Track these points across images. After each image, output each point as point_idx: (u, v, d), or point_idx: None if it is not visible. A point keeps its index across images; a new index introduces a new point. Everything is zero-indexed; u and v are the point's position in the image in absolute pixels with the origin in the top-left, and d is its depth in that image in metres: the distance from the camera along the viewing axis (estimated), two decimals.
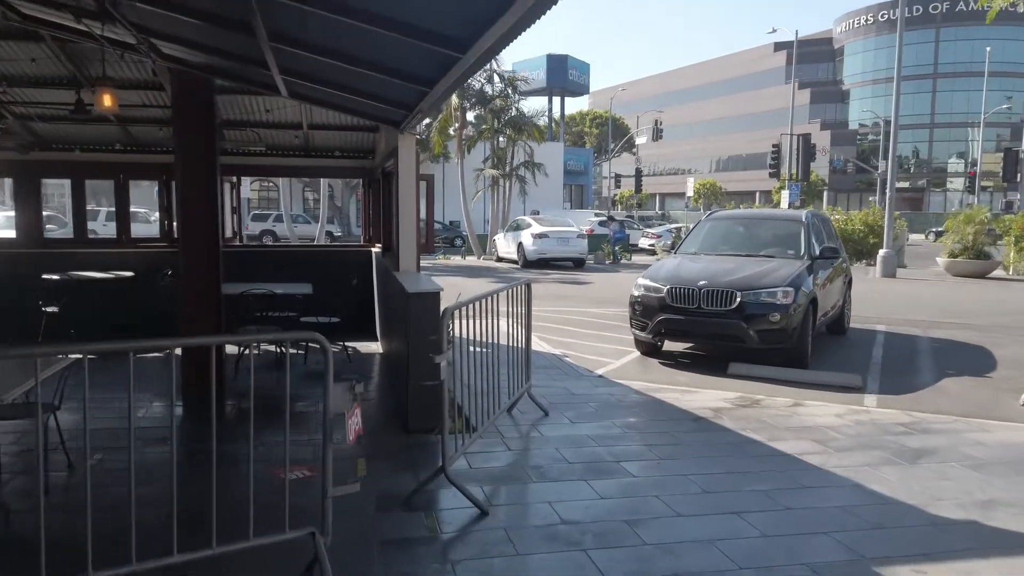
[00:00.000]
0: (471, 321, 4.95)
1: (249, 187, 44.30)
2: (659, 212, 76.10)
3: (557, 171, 48.01)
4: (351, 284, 8.35)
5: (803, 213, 10.04)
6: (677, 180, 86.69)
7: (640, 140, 53.66)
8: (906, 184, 70.53)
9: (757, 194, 71.97)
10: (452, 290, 6.42)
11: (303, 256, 10.36)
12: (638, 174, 54.50)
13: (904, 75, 67.66)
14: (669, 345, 9.35)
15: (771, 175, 33.46)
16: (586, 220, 36.94)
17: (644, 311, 8.81)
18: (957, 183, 68.74)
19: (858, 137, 76.03)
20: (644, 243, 33.73)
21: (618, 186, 57.88)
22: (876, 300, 15.21)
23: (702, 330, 8.48)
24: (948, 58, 68.33)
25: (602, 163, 68.66)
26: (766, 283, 8.35)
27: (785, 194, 32.76)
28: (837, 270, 10.31)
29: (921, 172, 73.04)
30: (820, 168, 68.19)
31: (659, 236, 33.33)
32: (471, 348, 5.00)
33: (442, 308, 4.65)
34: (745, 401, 7.05)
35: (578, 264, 24.10)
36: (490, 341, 5.31)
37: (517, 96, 27.64)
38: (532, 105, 35.44)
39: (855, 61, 77.05)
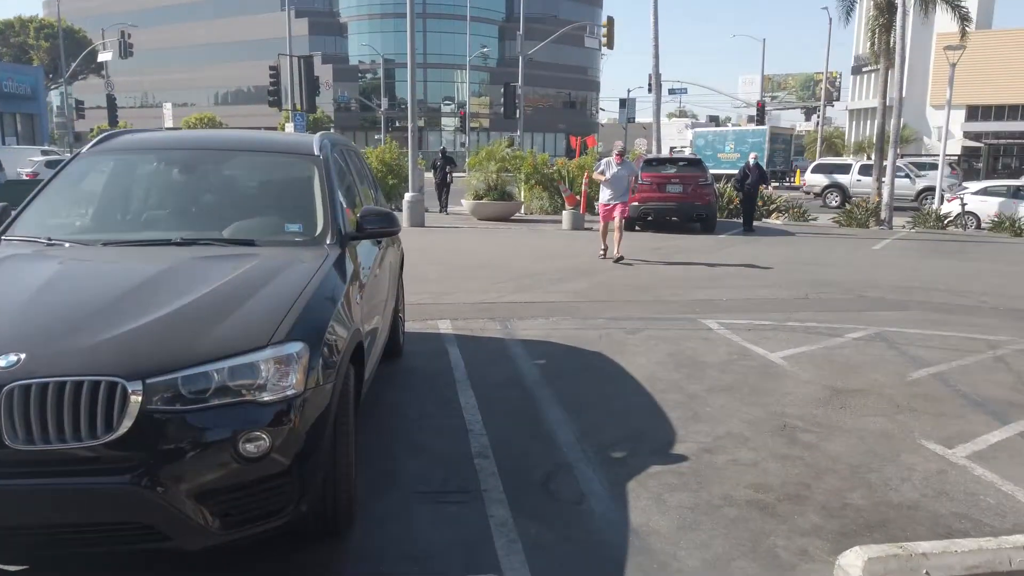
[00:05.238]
0: None
1: None
2: None
3: None
4: None
5: (315, 140, 4.67)
6: (179, 113, 74.57)
7: (104, 56, 42.31)
8: (406, 123, 71.91)
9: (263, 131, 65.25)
10: None
11: None
12: (111, 102, 43.38)
13: (395, 12, 67.30)
14: None
15: (271, 103, 27.76)
16: (27, 160, 26.58)
17: None
18: (450, 123, 72.36)
19: (359, 74, 74.67)
20: None
21: (81, 116, 45.61)
22: (422, 266, 11.03)
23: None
24: None
25: (61, 87, 53.96)
26: (214, 343, 2.76)
27: (289, 127, 27.54)
28: (389, 248, 5.38)
29: (418, 111, 75.18)
30: (325, 104, 64.75)
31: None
32: None
33: None
34: None
35: None
36: None
37: None
38: None
39: None
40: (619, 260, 11.63)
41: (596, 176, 12.25)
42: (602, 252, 12.17)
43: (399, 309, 6.16)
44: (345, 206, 4.26)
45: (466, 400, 5.24)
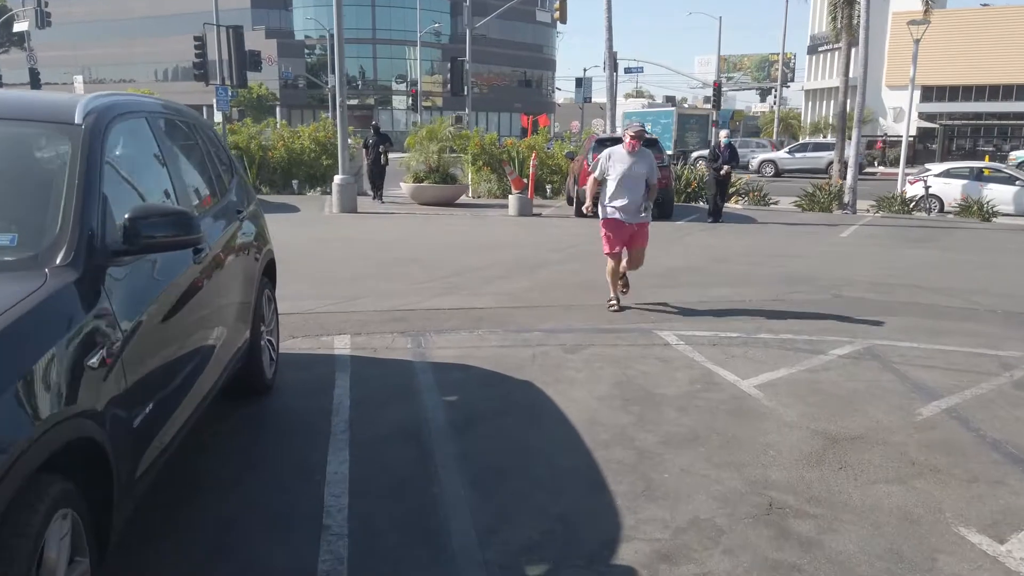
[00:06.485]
0: None
1: None
2: None
3: None
4: None
5: (81, 101, 3.14)
6: (102, 90, 70.71)
7: (20, 26, 39.24)
8: (356, 102, 69.20)
9: (206, 108, 62.28)
10: None
11: None
12: (33, 76, 40.43)
13: None
14: None
15: (196, 77, 25.62)
16: None
17: None
18: (401, 102, 70.07)
19: (306, 49, 71.73)
20: None
21: None
22: (335, 262, 9.51)
23: None
24: None
25: None
26: None
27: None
28: (236, 257, 3.89)
29: (369, 90, 72.62)
30: (270, 81, 61.94)
31: None
32: None
33: None
34: None
35: None
36: None
37: None
38: None
39: None
40: (615, 303, 7.35)
41: (591, 179, 7.32)
42: (613, 303, 7.33)
43: (264, 333, 4.66)
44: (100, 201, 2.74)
45: (336, 466, 3.80)
